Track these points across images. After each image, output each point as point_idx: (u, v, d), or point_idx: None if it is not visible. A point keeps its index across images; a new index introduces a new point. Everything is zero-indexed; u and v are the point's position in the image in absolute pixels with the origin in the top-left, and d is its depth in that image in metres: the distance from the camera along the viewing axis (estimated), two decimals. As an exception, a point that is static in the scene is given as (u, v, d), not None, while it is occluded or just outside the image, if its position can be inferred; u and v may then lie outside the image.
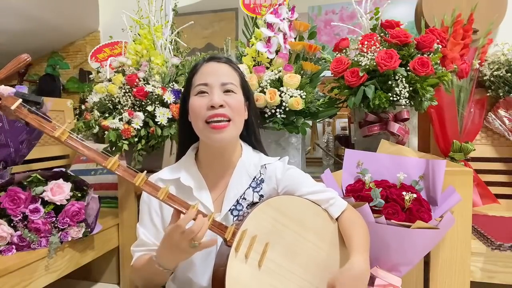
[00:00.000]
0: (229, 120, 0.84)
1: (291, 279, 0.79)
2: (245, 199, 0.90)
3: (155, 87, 1.32)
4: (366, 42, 1.20)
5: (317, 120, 1.49)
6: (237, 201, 0.89)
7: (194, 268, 0.88)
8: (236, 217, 0.88)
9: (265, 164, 0.94)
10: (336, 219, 0.91)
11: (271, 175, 0.92)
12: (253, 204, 0.89)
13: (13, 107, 0.68)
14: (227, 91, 0.85)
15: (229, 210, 0.88)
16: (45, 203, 1.22)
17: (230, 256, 0.73)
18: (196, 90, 0.86)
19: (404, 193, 1.02)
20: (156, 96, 1.32)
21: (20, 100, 0.69)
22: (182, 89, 0.95)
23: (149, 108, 1.31)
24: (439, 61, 1.22)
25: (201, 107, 0.83)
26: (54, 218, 1.22)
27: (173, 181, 0.90)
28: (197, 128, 0.87)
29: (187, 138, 0.96)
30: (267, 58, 1.32)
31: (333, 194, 0.92)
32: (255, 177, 0.92)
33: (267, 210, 0.81)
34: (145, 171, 0.74)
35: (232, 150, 0.92)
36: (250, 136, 0.97)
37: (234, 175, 0.90)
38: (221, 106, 0.82)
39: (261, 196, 0.91)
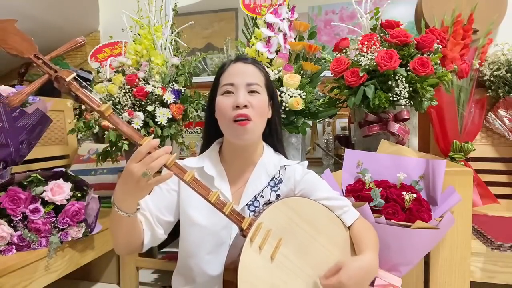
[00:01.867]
0: (250, 120, 0.87)
1: (301, 277, 0.80)
2: (263, 197, 0.93)
3: (155, 87, 1.32)
4: (366, 42, 1.20)
5: (317, 120, 1.50)
6: (255, 197, 0.92)
7: (201, 257, 0.90)
8: (253, 212, 0.91)
9: (284, 166, 0.97)
10: (348, 227, 0.93)
11: (290, 176, 0.96)
12: (269, 203, 0.91)
13: (68, 79, 0.72)
14: (252, 91, 0.89)
15: (246, 205, 0.91)
16: (45, 203, 1.22)
17: (245, 245, 0.74)
18: (222, 89, 0.90)
19: (404, 193, 1.02)
20: (156, 96, 1.32)
21: (75, 73, 0.74)
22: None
23: (149, 108, 1.31)
24: (439, 61, 1.22)
25: (227, 107, 0.87)
26: (54, 218, 1.22)
27: (196, 169, 0.92)
28: (222, 125, 0.91)
29: (211, 133, 1.00)
30: (267, 58, 1.32)
31: (347, 202, 0.94)
32: (274, 176, 0.95)
33: (283, 208, 0.83)
34: (175, 153, 0.76)
35: (253, 149, 0.95)
36: (272, 135, 1.00)
37: (254, 172, 0.94)
38: (245, 106, 0.86)
39: (278, 195, 0.94)
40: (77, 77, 0.75)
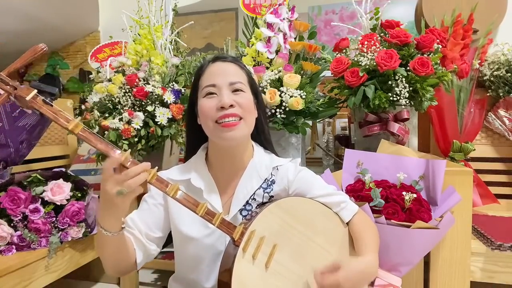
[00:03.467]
0: (240, 119, 0.82)
1: (297, 283, 0.78)
2: (255, 200, 0.88)
3: (155, 87, 1.32)
4: (366, 42, 1.20)
5: (317, 120, 1.50)
6: (247, 201, 0.88)
7: (200, 269, 0.87)
8: (245, 217, 0.86)
9: (276, 166, 0.92)
10: (347, 223, 0.90)
11: (283, 176, 0.91)
12: (262, 204, 0.88)
13: (28, 98, 0.67)
14: (236, 90, 0.83)
15: (238, 211, 0.86)
16: (45, 203, 1.22)
17: (237, 256, 0.72)
18: (204, 92, 0.84)
19: (404, 193, 1.02)
20: (156, 96, 1.32)
21: (35, 91, 0.68)
22: (189, 92, 0.93)
23: (149, 108, 1.31)
24: (439, 61, 1.22)
25: (211, 109, 0.81)
26: (54, 218, 1.22)
27: (182, 181, 0.88)
28: (207, 129, 0.85)
29: (196, 140, 0.94)
30: (267, 58, 1.32)
31: (344, 198, 0.91)
32: (266, 178, 0.90)
33: (277, 211, 0.80)
34: (156, 167, 0.73)
35: (243, 150, 0.89)
36: (259, 134, 0.95)
37: (244, 176, 0.89)
38: (231, 106, 0.81)
39: (271, 197, 0.90)
40: (38, 94, 0.69)
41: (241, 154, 0.89)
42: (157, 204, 0.89)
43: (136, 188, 0.68)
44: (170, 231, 0.92)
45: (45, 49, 0.72)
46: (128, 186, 0.66)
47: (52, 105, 0.69)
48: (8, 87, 0.67)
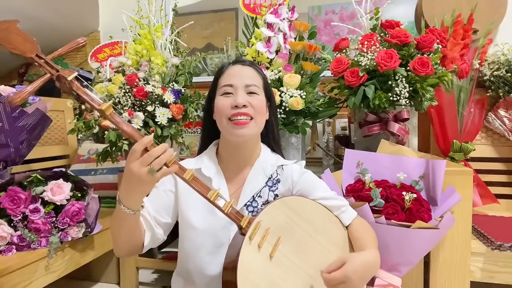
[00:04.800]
0: (251, 118, 0.89)
1: (300, 275, 0.80)
2: (261, 197, 0.93)
3: (155, 87, 1.32)
4: (366, 42, 1.20)
5: (317, 120, 1.50)
6: (253, 197, 0.93)
7: (201, 258, 0.90)
8: (251, 213, 0.91)
9: (282, 165, 0.98)
10: (347, 227, 0.94)
11: (287, 176, 0.96)
12: (268, 202, 0.92)
13: (69, 78, 0.74)
14: (251, 92, 0.91)
15: (244, 205, 0.92)
16: (45, 203, 1.22)
17: (244, 243, 0.74)
18: (221, 90, 0.91)
19: (404, 193, 1.02)
20: (156, 96, 1.32)
21: (76, 73, 0.75)
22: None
23: (149, 108, 1.31)
24: (439, 61, 1.22)
25: (226, 106, 0.88)
26: (54, 218, 1.22)
27: (194, 170, 0.92)
28: (221, 124, 0.91)
29: (209, 134, 1.01)
30: (267, 58, 1.32)
31: (344, 202, 0.95)
32: (271, 176, 0.96)
33: (282, 207, 0.84)
34: (176, 151, 0.75)
35: (252, 149, 0.96)
36: (268, 136, 1.01)
37: (252, 172, 0.95)
38: (244, 106, 0.88)
39: (276, 195, 0.95)
40: (78, 77, 0.76)
41: (249, 151, 0.96)
42: (167, 191, 0.94)
43: (163, 169, 0.72)
44: (176, 225, 0.96)
45: (84, 43, 0.82)
46: (154, 166, 0.70)
47: (87, 87, 0.77)
48: (52, 69, 0.76)
